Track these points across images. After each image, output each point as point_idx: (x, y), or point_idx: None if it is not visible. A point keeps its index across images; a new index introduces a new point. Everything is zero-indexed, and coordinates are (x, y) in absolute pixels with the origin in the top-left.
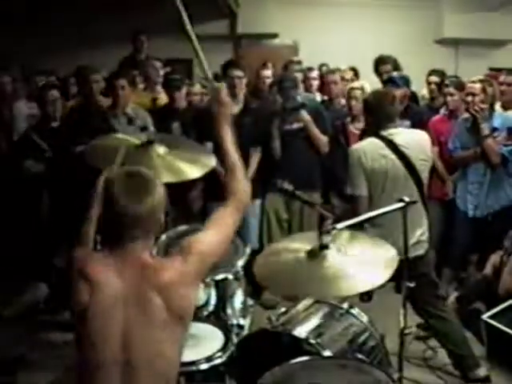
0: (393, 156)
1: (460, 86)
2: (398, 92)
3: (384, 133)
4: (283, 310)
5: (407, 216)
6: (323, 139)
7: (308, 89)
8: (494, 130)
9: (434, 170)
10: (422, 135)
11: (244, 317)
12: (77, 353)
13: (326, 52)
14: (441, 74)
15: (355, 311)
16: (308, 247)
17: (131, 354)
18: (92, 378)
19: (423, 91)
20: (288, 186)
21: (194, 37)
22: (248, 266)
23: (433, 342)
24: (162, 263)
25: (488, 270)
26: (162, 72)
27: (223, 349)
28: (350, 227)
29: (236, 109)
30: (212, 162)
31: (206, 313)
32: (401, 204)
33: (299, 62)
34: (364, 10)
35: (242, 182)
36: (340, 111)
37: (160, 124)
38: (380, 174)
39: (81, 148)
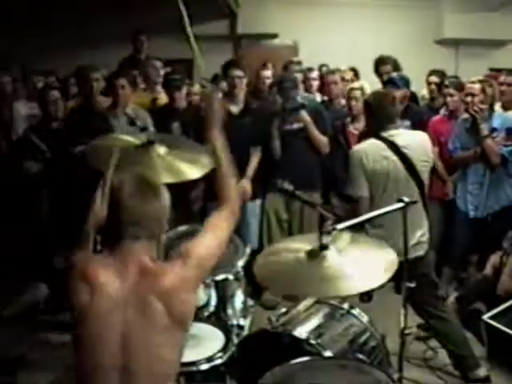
0: (394, 157)
1: (460, 87)
2: (398, 93)
3: (385, 134)
4: (283, 310)
5: (407, 216)
6: (323, 140)
7: (308, 89)
8: (493, 130)
9: (434, 170)
10: (423, 136)
11: (244, 317)
12: (75, 355)
13: (326, 52)
14: (441, 74)
15: (356, 311)
16: (308, 247)
17: (130, 357)
18: (91, 382)
19: (423, 91)
20: (288, 186)
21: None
22: (248, 267)
23: (433, 343)
24: (163, 268)
25: (488, 270)
26: (162, 72)
27: (224, 349)
28: (350, 228)
29: (236, 109)
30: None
31: (206, 313)
32: (400, 204)
33: (299, 63)
34: (364, 9)
35: (234, 188)
36: (340, 111)
37: (160, 124)
38: (381, 176)
39: (80, 148)
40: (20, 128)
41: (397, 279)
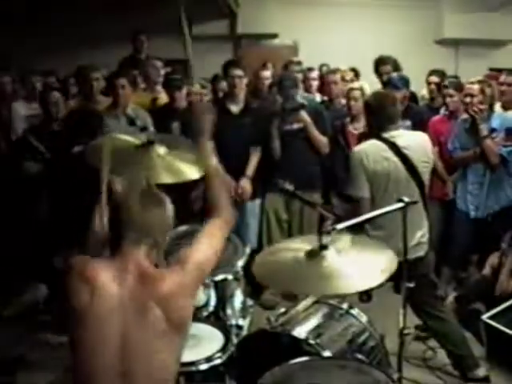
0: (395, 158)
1: (459, 87)
2: (399, 94)
3: (386, 135)
4: (282, 310)
5: (407, 217)
6: (323, 140)
7: (308, 89)
8: (493, 130)
9: (434, 170)
10: (423, 137)
11: (243, 317)
12: (73, 357)
13: (326, 52)
14: (441, 74)
15: (355, 311)
16: (307, 247)
17: (129, 361)
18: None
19: (423, 91)
20: (289, 187)
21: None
22: (248, 267)
23: (432, 343)
24: (162, 273)
25: (487, 270)
26: (162, 72)
27: (223, 349)
28: (350, 229)
29: (236, 109)
30: (212, 162)
31: (205, 313)
32: (400, 204)
33: (299, 63)
34: (364, 9)
35: (226, 196)
36: (340, 111)
37: (160, 124)
38: (382, 176)
39: (79, 148)
40: (19, 128)
41: (396, 279)
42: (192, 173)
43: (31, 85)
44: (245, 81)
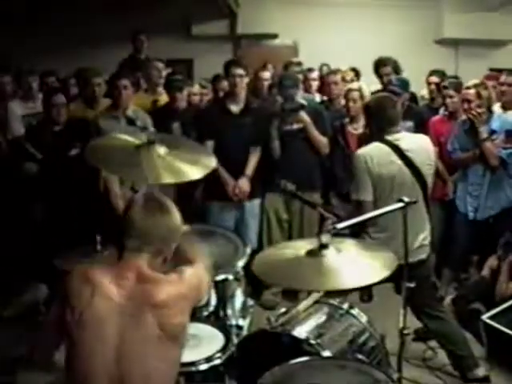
0: (399, 161)
1: (459, 88)
2: (399, 100)
3: (389, 137)
4: (283, 310)
5: (410, 219)
6: (323, 140)
7: (307, 89)
8: (493, 132)
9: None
10: (425, 139)
11: (244, 317)
12: (69, 357)
13: (326, 52)
14: (441, 74)
15: (355, 312)
16: (308, 247)
17: (125, 364)
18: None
19: (423, 91)
20: (291, 187)
21: None
22: (248, 267)
23: (432, 343)
24: (160, 280)
25: (485, 271)
26: (164, 73)
27: (223, 349)
28: (351, 230)
29: (237, 108)
30: (212, 162)
31: (205, 313)
32: (400, 204)
33: (299, 63)
34: (364, 9)
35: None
36: (340, 111)
37: (160, 124)
38: (387, 180)
39: (75, 151)
40: (15, 128)
41: (397, 280)
42: (193, 173)
43: (27, 84)
44: (245, 80)
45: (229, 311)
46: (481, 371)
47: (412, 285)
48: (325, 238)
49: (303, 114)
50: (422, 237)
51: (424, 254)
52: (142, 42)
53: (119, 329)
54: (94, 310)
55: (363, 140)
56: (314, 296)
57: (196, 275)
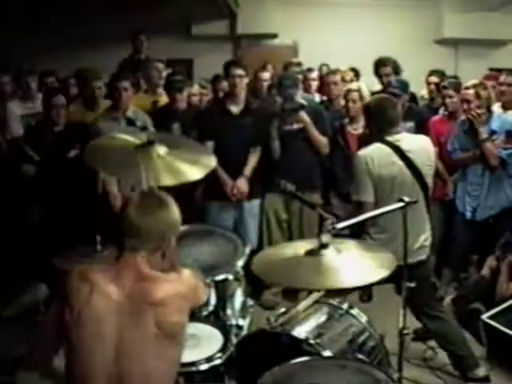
0: (400, 162)
1: (459, 88)
2: (399, 101)
3: (390, 138)
4: (282, 310)
5: (411, 220)
6: (323, 140)
7: (307, 89)
8: (493, 132)
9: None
10: (426, 140)
11: (243, 317)
12: (68, 356)
13: (326, 52)
14: (441, 74)
15: (354, 312)
16: (308, 247)
17: (124, 362)
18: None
19: (422, 91)
20: (291, 188)
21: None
22: (248, 267)
23: (432, 342)
24: (159, 278)
25: (485, 271)
26: (164, 73)
27: (223, 349)
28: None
29: (237, 109)
30: (212, 161)
31: (205, 313)
32: (400, 204)
33: (299, 64)
34: (364, 9)
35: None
36: (340, 111)
37: (160, 125)
38: (388, 181)
39: (74, 152)
40: (14, 128)
41: (397, 281)
42: (193, 173)
43: (26, 85)
44: (245, 80)
45: (228, 311)
46: (481, 371)
47: (412, 284)
48: (325, 238)
49: (303, 114)
50: (423, 238)
51: (424, 254)
52: (141, 42)
53: (118, 327)
54: (92, 309)
55: (363, 140)
56: (314, 296)
57: (193, 276)
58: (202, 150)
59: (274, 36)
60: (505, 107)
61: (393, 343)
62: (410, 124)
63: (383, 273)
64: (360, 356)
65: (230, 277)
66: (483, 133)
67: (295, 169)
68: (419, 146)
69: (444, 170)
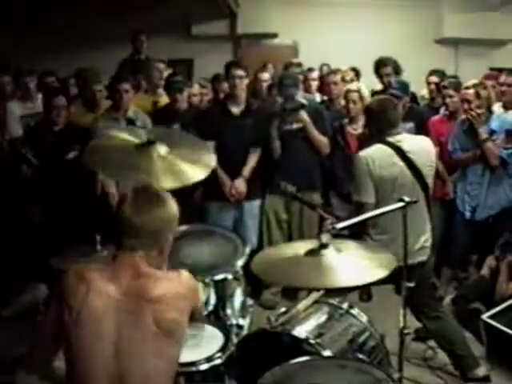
0: (401, 163)
1: (459, 88)
2: (400, 103)
3: (391, 139)
4: (283, 310)
5: (411, 221)
6: (323, 140)
7: (307, 89)
8: (493, 132)
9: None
10: (426, 141)
11: (243, 317)
12: (68, 356)
13: (326, 52)
14: (441, 74)
15: (355, 311)
16: (308, 247)
17: (124, 361)
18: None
19: (423, 91)
20: (291, 189)
21: None
22: (247, 266)
23: (432, 342)
24: (157, 275)
25: (485, 271)
26: (165, 74)
27: (223, 349)
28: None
29: (237, 110)
30: (212, 160)
31: (205, 313)
32: (401, 204)
33: (299, 64)
34: (364, 9)
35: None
36: (340, 111)
37: (160, 125)
38: (389, 181)
39: (73, 154)
40: (13, 128)
41: (397, 281)
42: (195, 174)
43: (25, 85)
44: (245, 81)
45: (228, 311)
46: (481, 371)
47: (412, 284)
48: (325, 238)
49: (303, 114)
50: (424, 238)
51: (424, 255)
52: (141, 42)
53: (116, 326)
54: (91, 309)
55: (363, 140)
56: (314, 296)
57: (192, 278)
58: (202, 146)
59: (274, 36)
60: (506, 107)
61: (393, 343)
62: (410, 125)
63: (382, 273)
64: (360, 356)
65: (230, 276)
66: (483, 133)
67: (295, 168)
68: (420, 146)
69: (444, 170)
